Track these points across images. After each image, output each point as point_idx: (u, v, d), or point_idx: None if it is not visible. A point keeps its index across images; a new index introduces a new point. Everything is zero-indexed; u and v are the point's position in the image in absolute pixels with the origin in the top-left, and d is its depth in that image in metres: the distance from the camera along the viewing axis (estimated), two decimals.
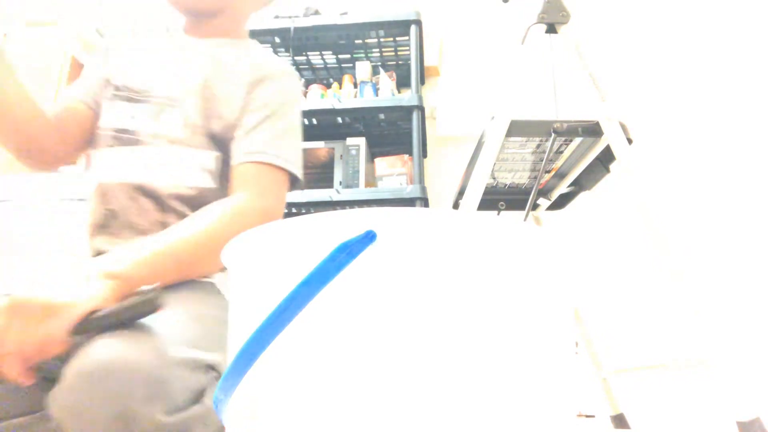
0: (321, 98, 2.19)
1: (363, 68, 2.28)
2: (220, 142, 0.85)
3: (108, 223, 0.84)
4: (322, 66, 2.42)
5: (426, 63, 2.34)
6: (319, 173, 2.05)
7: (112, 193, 0.84)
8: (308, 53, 2.33)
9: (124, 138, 0.87)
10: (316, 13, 2.27)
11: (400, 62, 2.39)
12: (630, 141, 1.01)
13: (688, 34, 2.17)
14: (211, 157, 0.84)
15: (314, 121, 2.18)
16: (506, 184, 1.33)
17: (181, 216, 0.81)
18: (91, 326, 0.56)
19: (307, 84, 2.37)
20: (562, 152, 1.17)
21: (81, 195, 2.06)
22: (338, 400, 0.36)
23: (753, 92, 2.06)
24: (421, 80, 2.23)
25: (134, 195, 0.83)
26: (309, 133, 2.06)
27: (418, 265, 0.38)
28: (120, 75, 0.92)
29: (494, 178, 1.30)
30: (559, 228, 1.53)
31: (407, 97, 2.07)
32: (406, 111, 2.06)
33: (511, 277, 0.40)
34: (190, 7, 0.93)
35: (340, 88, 2.28)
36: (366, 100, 2.14)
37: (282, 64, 0.94)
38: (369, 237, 0.37)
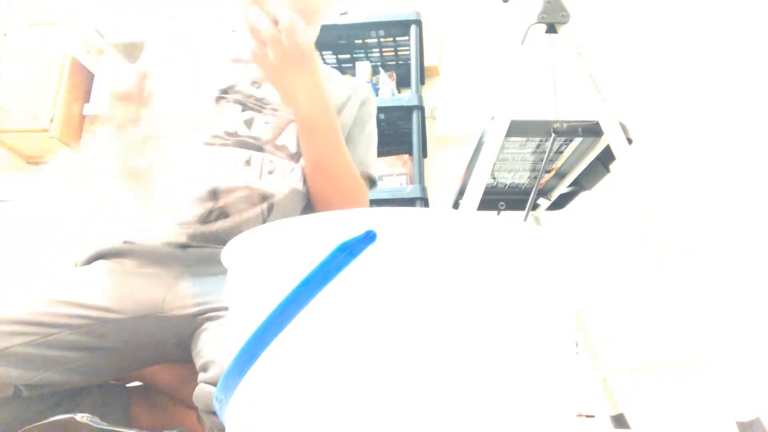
0: None
1: (363, 68, 2.27)
2: None
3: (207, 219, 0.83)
4: None
5: (426, 63, 2.34)
6: None
7: (227, 193, 0.85)
8: None
9: (237, 140, 0.88)
10: None
11: (400, 62, 2.39)
12: (630, 141, 1.01)
13: (688, 34, 2.17)
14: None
15: None
16: (506, 184, 1.33)
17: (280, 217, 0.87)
18: None
19: None
20: (562, 152, 1.17)
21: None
22: (339, 400, 0.36)
23: (753, 92, 2.06)
24: (421, 80, 2.23)
25: (253, 199, 0.86)
26: None
27: (418, 265, 0.38)
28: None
29: (494, 178, 1.30)
30: (559, 228, 1.53)
31: (407, 97, 2.07)
32: (406, 111, 2.06)
33: (511, 277, 0.40)
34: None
35: None
36: None
37: (368, 85, 1.10)
38: (369, 237, 0.37)
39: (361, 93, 1.04)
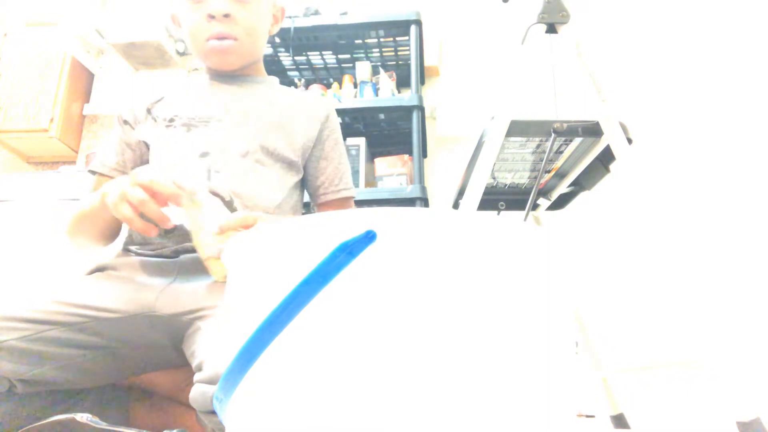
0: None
1: (363, 68, 2.28)
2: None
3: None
4: (322, 66, 2.42)
5: (426, 63, 2.34)
6: None
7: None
8: (308, 53, 2.33)
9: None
10: (316, 13, 2.27)
11: (400, 62, 2.39)
12: (630, 141, 1.01)
13: (688, 35, 2.17)
14: None
15: None
16: (506, 184, 1.33)
17: None
18: None
19: (307, 84, 2.37)
20: (562, 152, 1.17)
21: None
22: (339, 399, 0.36)
23: (752, 92, 2.06)
24: (421, 80, 2.23)
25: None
26: None
27: (418, 265, 0.38)
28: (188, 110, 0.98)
29: (494, 178, 1.30)
30: (559, 228, 1.53)
31: (407, 97, 2.07)
32: (406, 111, 2.06)
33: (511, 277, 0.40)
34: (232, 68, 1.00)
35: (340, 88, 2.28)
36: (366, 100, 2.14)
37: (325, 99, 1.06)
38: (369, 237, 0.37)
39: (318, 105, 1.04)
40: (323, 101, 1.09)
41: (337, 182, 1.00)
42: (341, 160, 1.02)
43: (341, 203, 1.01)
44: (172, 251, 0.85)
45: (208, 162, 0.88)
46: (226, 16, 0.92)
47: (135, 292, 0.79)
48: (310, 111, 1.01)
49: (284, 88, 1.09)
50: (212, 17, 0.92)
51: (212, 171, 0.88)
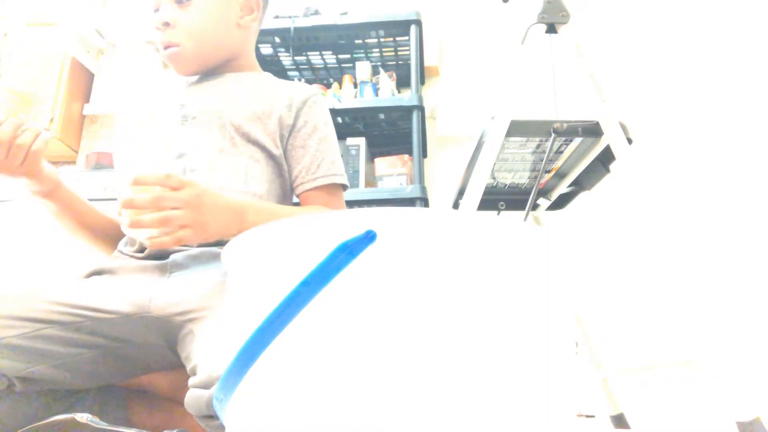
0: None
1: (363, 68, 2.27)
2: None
3: None
4: (322, 66, 2.42)
5: (426, 63, 2.34)
6: None
7: None
8: (308, 53, 2.33)
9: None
10: (316, 13, 2.27)
11: (400, 62, 2.39)
12: (630, 141, 1.01)
13: (687, 35, 2.17)
14: None
15: None
16: (506, 184, 1.33)
17: None
18: None
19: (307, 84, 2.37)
20: (562, 152, 1.17)
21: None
22: (338, 399, 0.36)
23: (752, 92, 2.06)
24: (421, 80, 2.23)
25: None
26: None
27: (418, 265, 0.38)
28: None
29: (494, 178, 1.30)
30: (559, 228, 1.53)
31: (407, 97, 2.07)
32: (406, 111, 2.06)
33: (511, 278, 0.40)
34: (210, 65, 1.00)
35: (340, 88, 2.28)
36: (366, 100, 2.14)
37: (311, 87, 1.05)
38: (369, 237, 0.37)
39: (296, 92, 0.98)
40: (303, 88, 1.01)
41: (314, 170, 0.93)
42: (320, 148, 0.95)
43: (321, 192, 0.93)
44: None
45: (184, 162, 0.88)
46: (166, 24, 0.93)
47: (130, 293, 0.79)
48: (288, 99, 0.96)
49: (272, 80, 1.04)
50: (158, 29, 0.94)
51: (188, 170, 0.88)
